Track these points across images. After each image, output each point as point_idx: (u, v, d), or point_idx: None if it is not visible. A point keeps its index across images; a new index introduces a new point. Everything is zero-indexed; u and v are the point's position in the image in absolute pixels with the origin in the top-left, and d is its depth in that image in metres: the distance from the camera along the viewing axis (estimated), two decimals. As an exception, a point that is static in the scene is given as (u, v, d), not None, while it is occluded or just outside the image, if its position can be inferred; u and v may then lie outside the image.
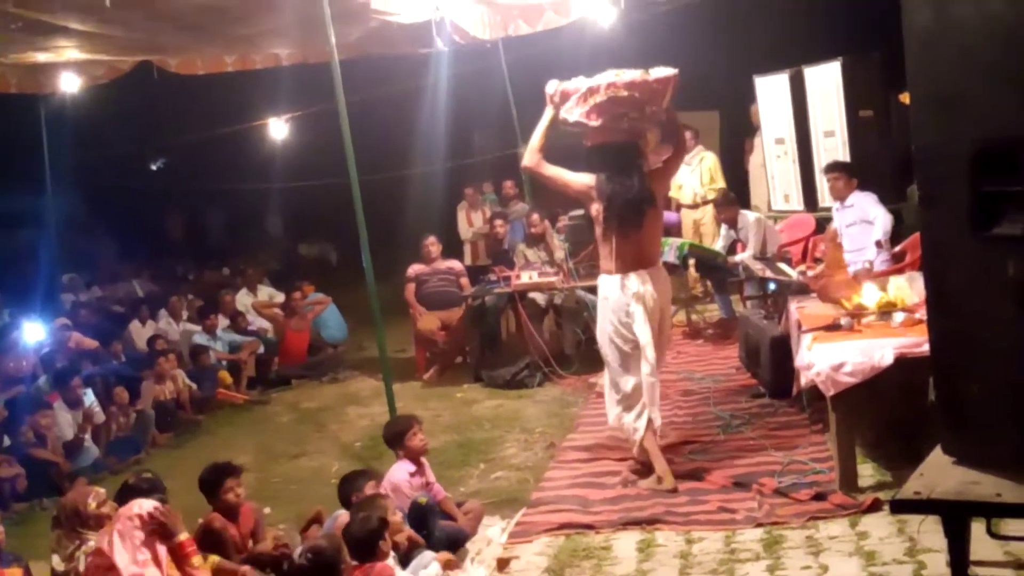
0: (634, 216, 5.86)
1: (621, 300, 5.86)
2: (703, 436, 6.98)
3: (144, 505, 4.59)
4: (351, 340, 11.99)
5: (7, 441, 8.05)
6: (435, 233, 10.88)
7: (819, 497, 5.50)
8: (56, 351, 10.04)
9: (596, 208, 6.03)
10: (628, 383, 6.00)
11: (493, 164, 14.71)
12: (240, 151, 16.68)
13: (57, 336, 10.58)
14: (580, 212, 11.08)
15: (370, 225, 7.26)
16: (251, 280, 12.92)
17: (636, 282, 5.85)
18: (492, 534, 5.74)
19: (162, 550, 4.49)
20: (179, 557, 4.57)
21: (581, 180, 6.11)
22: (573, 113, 5.88)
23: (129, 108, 15.24)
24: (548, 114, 6.08)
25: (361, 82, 10.84)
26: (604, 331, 6.02)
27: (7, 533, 5.45)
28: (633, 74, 5.81)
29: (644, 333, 5.83)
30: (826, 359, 5.58)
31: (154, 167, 22.07)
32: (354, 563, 4.70)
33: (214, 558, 5.02)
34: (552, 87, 6.03)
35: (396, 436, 5.97)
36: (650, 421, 6.04)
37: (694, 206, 11.63)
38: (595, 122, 5.83)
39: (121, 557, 4.38)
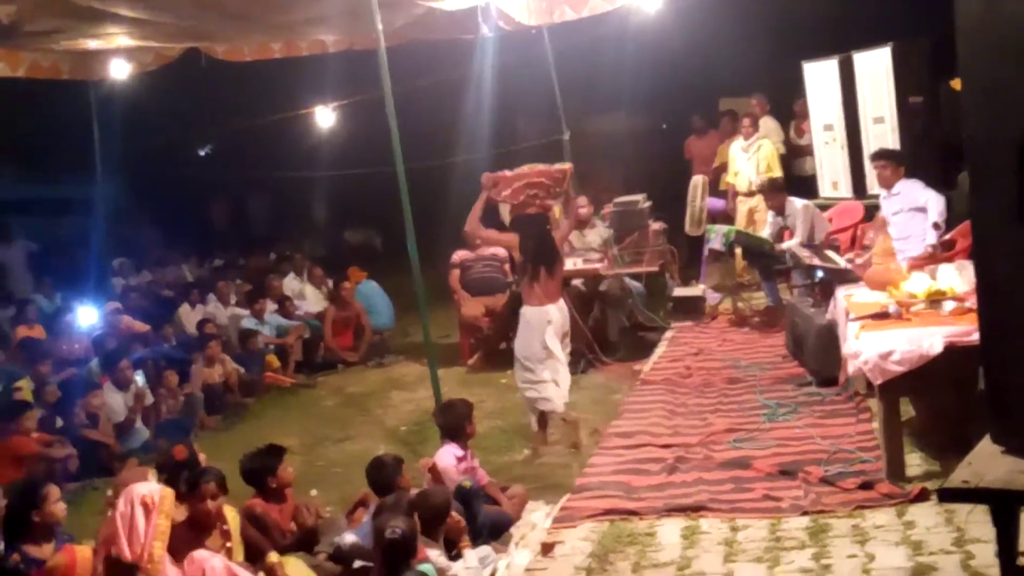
0: (545, 265, 7.38)
1: (540, 323, 7.29)
2: (749, 424, 6.98)
3: (143, 489, 4.68)
4: (396, 326, 12.06)
5: (60, 422, 8.20)
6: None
7: (866, 486, 5.49)
8: (108, 334, 10.19)
9: (519, 258, 7.68)
10: (544, 375, 7.31)
11: (537, 151, 14.64)
12: (286, 138, 16.74)
13: (109, 320, 10.75)
14: (626, 199, 11.06)
15: (415, 212, 7.30)
16: (299, 266, 13.04)
17: (548, 311, 7.34)
18: (536, 519, 5.78)
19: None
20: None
21: (509, 238, 7.88)
22: (500, 194, 7.73)
23: (177, 95, 15.36)
24: (483, 195, 7.67)
25: (406, 70, 10.83)
26: (527, 343, 7.33)
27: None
28: (542, 166, 7.73)
29: (555, 345, 7.36)
30: (874, 347, 5.56)
31: (201, 153, 22.25)
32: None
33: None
34: (486, 177, 7.74)
35: (462, 418, 6.10)
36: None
37: (750, 194, 11.34)
38: (515, 201, 7.72)
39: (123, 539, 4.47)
